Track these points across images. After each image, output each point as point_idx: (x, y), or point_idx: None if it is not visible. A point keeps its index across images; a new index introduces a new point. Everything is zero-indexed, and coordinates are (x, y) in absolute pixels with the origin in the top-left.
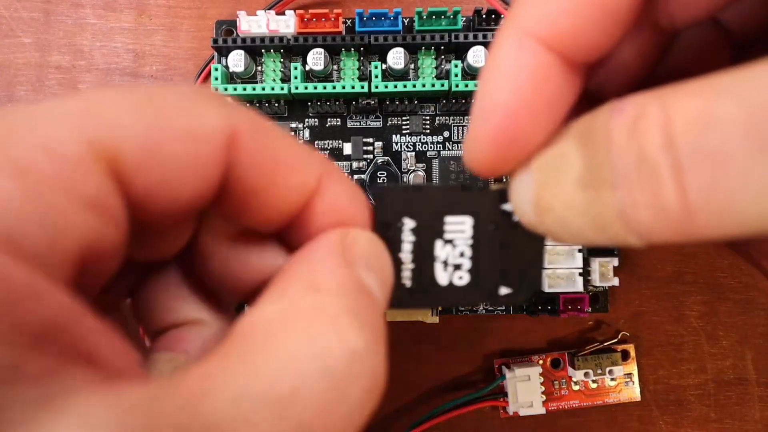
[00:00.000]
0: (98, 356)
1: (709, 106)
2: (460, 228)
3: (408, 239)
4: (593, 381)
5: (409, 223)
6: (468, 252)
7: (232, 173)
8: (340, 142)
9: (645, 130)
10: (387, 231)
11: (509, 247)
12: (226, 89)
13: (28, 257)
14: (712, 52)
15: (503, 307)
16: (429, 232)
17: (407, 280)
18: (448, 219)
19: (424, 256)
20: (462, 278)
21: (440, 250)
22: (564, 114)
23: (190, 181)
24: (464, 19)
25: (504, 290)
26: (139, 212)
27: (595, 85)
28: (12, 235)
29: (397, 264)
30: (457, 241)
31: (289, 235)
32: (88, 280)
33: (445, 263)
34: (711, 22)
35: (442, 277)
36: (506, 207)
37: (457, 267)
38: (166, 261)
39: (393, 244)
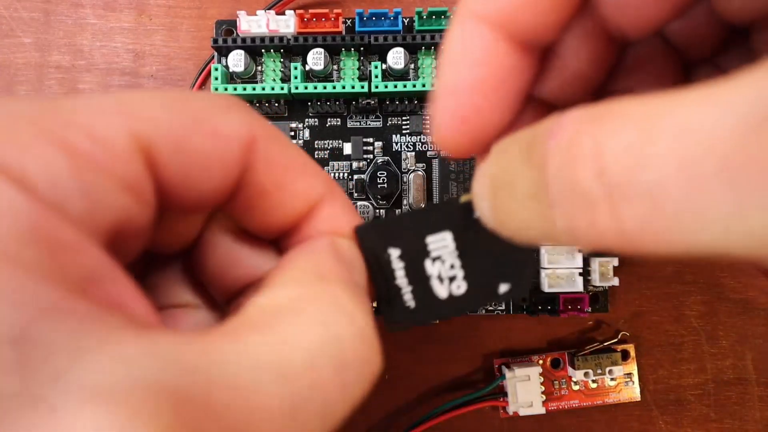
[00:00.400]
0: (130, 308)
1: (642, 143)
2: (442, 244)
3: (399, 266)
4: (593, 381)
5: (394, 252)
6: (457, 263)
7: (247, 175)
8: (340, 142)
9: (578, 160)
10: (376, 263)
11: (493, 248)
12: (226, 89)
13: (70, 219)
14: (661, 68)
15: (503, 307)
16: (415, 255)
17: (410, 302)
18: (429, 239)
19: (419, 278)
20: (460, 287)
21: (431, 268)
22: (519, 91)
23: (211, 175)
24: None
25: (503, 287)
26: (165, 200)
27: (553, 92)
28: (59, 200)
29: (397, 290)
30: (444, 256)
31: (284, 243)
32: (118, 254)
33: (440, 278)
34: (660, 37)
35: (441, 291)
36: (477, 215)
37: (452, 279)
38: (172, 253)
39: (387, 274)
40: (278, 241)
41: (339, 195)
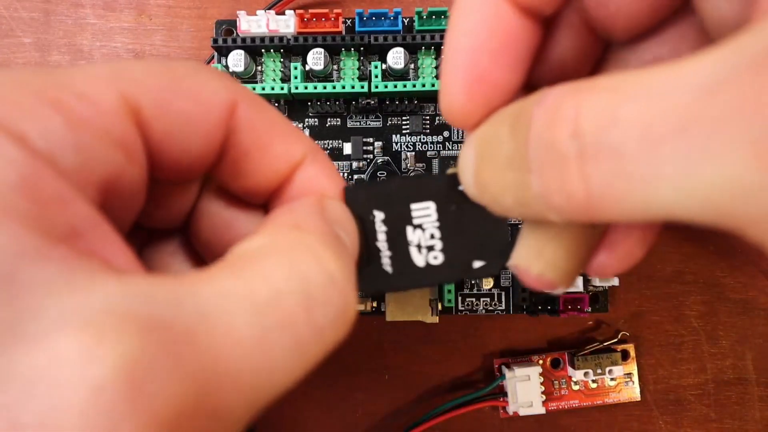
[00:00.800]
0: (112, 259)
1: (613, 106)
2: (425, 213)
3: (381, 229)
4: (593, 381)
5: (379, 215)
6: (437, 233)
7: (231, 137)
8: (340, 142)
9: (558, 122)
10: (361, 224)
11: (473, 224)
12: None
13: (62, 173)
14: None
15: (503, 307)
16: (399, 221)
17: (388, 267)
18: (414, 206)
19: (398, 243)
20: (437, 258)
21: (412, 235)
22: (525, 59)
23: (196, 135)
24: None
25: (477, 263)
26: (156, 163)
27: (543, 82)
28: (53, 154)
29: (376, 253)
30: (425, 225)
31: (272, 207)
32: (112, 215)
33: (419, 246)
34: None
35: (418, 259)
36: (461, 188)
37: (431, 248)
38: (169, 227)
39: (369, 235)
40: (267, 205)
41: (321, 155)
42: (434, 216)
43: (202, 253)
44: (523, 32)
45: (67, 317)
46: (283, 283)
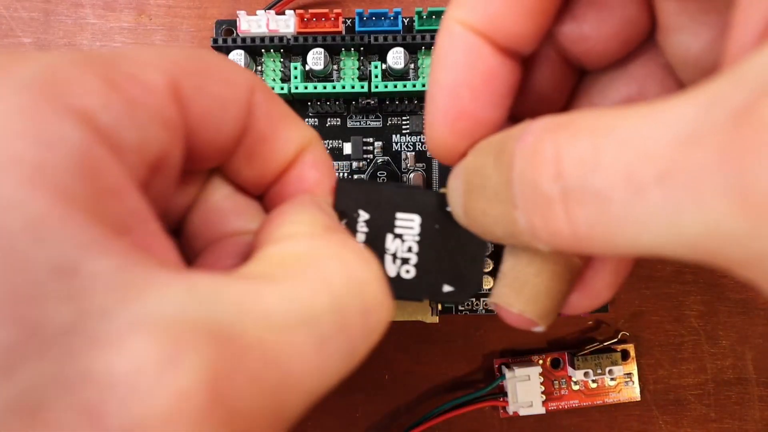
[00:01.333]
0: (161, 254)
1: (594, 149)
2: (409, 224)
3: (362, 230)
4: (593, 381)
5: (363, 215)
6: (415, 247)
7: (249, 120)
8: (340, 142)
9: (540, 163)
10: (342, 219)
11: (452, 247)
12: None
13: (122, 155)
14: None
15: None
16: (381, 226)
17: None
18: (399, 215)
19: (375, 247)
20: (409, 272)
21: (390, 243)
22: (506, 95)
23: (228, 116)
24: None
25: (447, 288)
26: (189, 142)
27: (525, 112)
28: (116, 130)
29: None
30: (405, 237)
31: (269, 197)
32: (151, 193)
33: (394, 256)
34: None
35: (390, 268)
36: (449, 209)
37: (405, 261)
38: (170, 225)
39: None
40: (263, 198)
41: (320, 142)
42: (417, 230)
43: (188, 247)
44: (503, 70)
45: (140, 320)
46: (343, 289)
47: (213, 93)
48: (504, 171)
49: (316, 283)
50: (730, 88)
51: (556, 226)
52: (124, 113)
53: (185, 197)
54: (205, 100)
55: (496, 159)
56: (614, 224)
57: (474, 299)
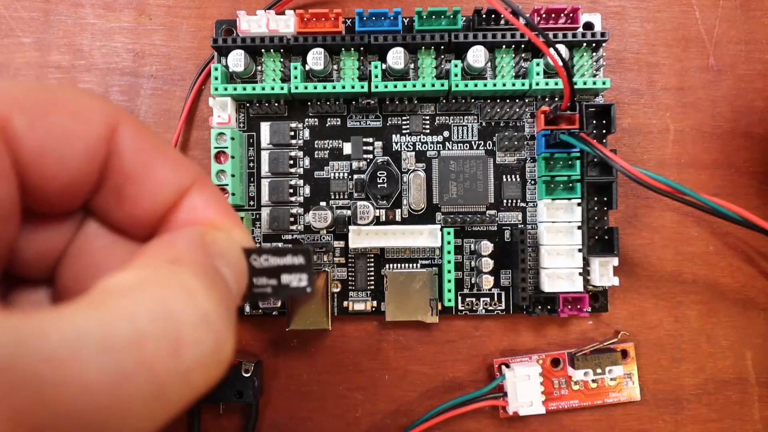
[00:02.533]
0: None
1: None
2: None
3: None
4: (593, 381)
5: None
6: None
7: (113, 159)
8: (340, 141)
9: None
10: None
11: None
12: (226, 89)
13: None
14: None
15: (503, 307)
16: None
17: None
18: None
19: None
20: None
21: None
22: None
23: (74, 151)
24: (464, 18)
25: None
26: (27, 180)
27: None
28: None
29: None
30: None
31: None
32: None
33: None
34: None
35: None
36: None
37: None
38: (35, 278)
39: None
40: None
41: (208, 184)
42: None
43: (61, 288)
44: None
45: None
46: (147, 323)
47: (54, 124)
48: None
49: (117, 313)
50: None
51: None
52: None
53: (50, 242)
54: (41, 134)
55: None
56: None
57: (474, 299)
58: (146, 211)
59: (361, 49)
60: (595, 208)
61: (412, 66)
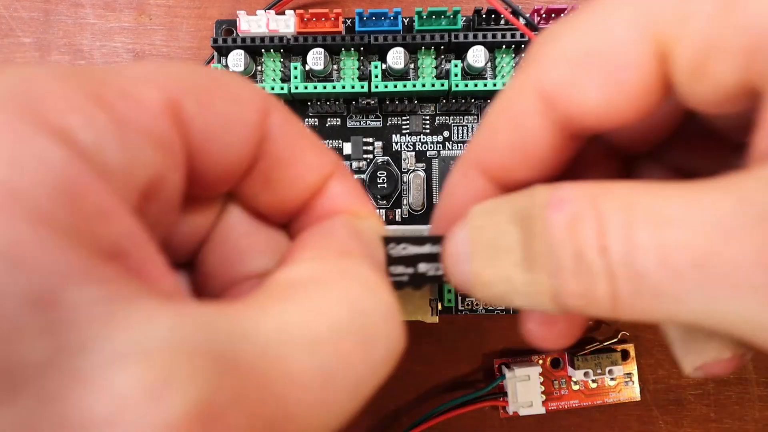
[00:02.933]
0: (157, 281)
1: (633, 229)
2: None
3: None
4: (593, 381)
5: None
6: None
7: (264, 144)
8: (340, 141)
9: (582, 233)
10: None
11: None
12: None
13: (108, 177)
14: (604, 164)
15: (503, 307)
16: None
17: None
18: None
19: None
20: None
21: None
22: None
23: (233, 136)
24: (464, 18)
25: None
26: (192, 165)
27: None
28: (100, 153)
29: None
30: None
31: (296, 227)
32: (148, 219)
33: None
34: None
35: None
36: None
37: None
38: (182, 259)
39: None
40: (289, 226)
41: (347, 172)
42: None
43: (206, 287)
44: (549, 147)
45: (124, 351)
46: (343, 319)
47: (218, 112)
48: (538, 240)
49: (313, 311)
50: (757, 189)
51: (597, 295)
52: (111, 132)
53: (196, 226)
54: (209, 119)
55: (523, 228)
56: (652, 301)
57: (474, 299)
58: (292, 196)
59: (361, 49)
60: None
61: (412, 66)
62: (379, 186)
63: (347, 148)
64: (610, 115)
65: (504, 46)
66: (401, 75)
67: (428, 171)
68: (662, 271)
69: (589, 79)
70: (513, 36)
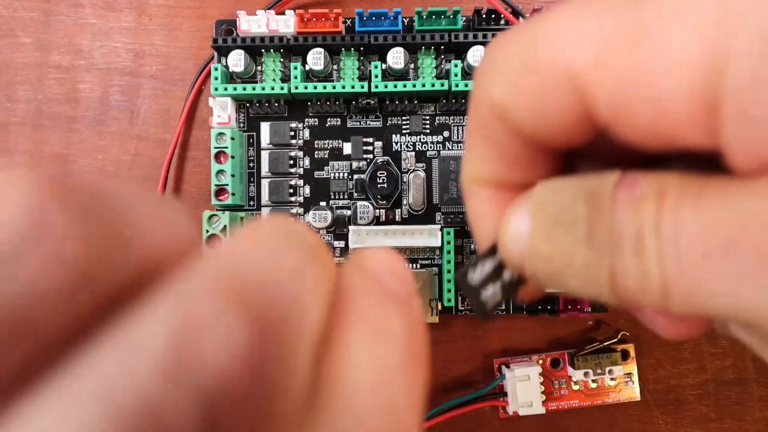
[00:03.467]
0: None
1: (684, 223)
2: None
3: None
4: (593, 381)
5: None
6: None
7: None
8: (340, 142)
9: (644, 213)
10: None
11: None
12: (226, 89)
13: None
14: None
15: (503, 307)
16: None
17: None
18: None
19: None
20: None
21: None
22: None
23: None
24: (464, 18)
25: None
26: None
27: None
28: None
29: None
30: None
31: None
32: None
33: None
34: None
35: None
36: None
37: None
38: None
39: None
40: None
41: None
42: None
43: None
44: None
45: None
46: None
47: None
48: (604, 216)
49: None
50: None
51: (649, 277)
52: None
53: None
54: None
55: (591, 204)
56: (696, 286)
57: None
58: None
59: (361, 49)
60: None
61: (412, 66)
62: (379, 186)
63: (347, 148)
64: (544, 133)
65: None
66: (401, 75)
67: (428, 171)
68: (711, 261)
69: (524, 98)
70: None
